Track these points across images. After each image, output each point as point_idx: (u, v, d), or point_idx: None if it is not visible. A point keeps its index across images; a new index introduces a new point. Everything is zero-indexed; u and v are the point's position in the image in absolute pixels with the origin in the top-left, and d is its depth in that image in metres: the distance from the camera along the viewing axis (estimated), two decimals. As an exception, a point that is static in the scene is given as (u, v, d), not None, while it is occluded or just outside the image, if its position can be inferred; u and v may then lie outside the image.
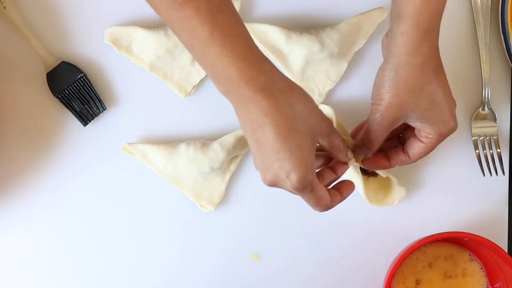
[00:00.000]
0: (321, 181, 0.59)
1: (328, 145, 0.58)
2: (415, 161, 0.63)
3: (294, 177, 0.53)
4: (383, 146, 0.64)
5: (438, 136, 0.60)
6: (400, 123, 0.60)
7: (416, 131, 0.61)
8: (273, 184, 0.55)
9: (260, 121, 0.52)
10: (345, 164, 0.61)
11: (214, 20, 0.50)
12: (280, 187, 0.55)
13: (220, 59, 0.50)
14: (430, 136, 0.60)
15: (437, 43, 0.57)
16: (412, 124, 0.60)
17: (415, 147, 0.62)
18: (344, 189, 0.60)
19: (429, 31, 0.56)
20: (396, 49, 0.57)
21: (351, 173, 0.71)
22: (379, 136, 0.60)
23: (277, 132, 0.52)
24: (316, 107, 0.56)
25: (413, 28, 0.55)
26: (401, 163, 0.64)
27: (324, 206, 0.57)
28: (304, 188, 0.54)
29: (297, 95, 0.53)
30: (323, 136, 0.57)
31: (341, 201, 0.60)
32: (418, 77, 0.57)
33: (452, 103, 0.60)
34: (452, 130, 0.60)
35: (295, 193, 0.56)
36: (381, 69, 0.59)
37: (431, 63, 0.57)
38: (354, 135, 0.66)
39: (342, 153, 0.60)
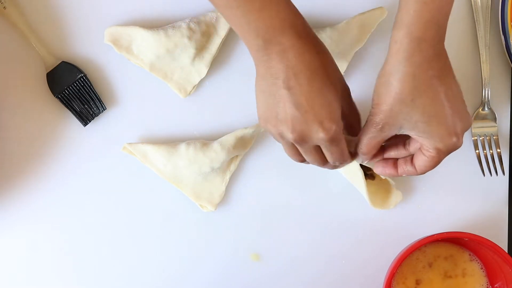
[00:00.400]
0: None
1: (348, 109, 0.58)
2: (421, 173, 0.61)
3: (328, 126, 0.53)
4: (395, 154, 0.63)
5: (436, 151, 0.57)
6: (395, 133, 0.58)
7: (420, 144, 0.59)
8: (302, 136, 0.55)
9: (297, 67, 0.52)
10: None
11: None
12: (309, 140, 0.55)
13: (261, 11, 0.52)
14: (429, 150, 0.58)
15: (436, 52, 0.55)
16: (411, 135, 0.58)
17: (419, 159, 0.60)
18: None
19: (422, 41, 0.53)
20: (389, 57, 0.55)
21: (353, 173, 0.71)
22: (373, 142, 0.59)
23: (313, 79, 0.52)
24: (337, 67, 0.57)
25: (405, 37, 0.54)
26: (408, 174, 0.62)
27: (346, 159, 0.59)
28: (334, 139, 0.55)
29: (326, 50, 0.55)
30: (345, 96, 0.58)
31: (354, 159, 0.62)
32: (409, 87, 0.54)
33: (456, 117, 0.56)
34: (452, 146, 0.57)
35: (322, 144, 0.56)
36: (379, 74, 0.57)
37: (424, 73, 0.54)
38: None
39: (359, 124, 0.61)
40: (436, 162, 0.59)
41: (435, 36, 0.54)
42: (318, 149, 0.58)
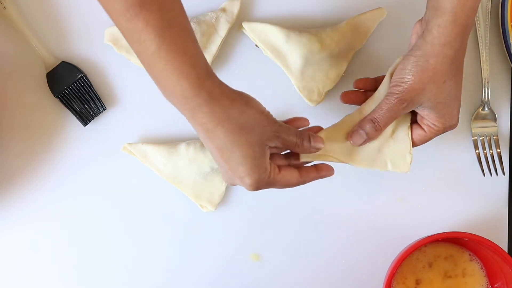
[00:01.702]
0: (295, 159, 0.62)
1: (283, 145, 0.59)
2: (415, 146, 0.65)
3: (247, 182, 0.56)
4: None
5: (442, 129, 0.63)
6: (412, 109, 0.62)
7: (418, 118, 0.64)
8: (232, 185, 0.59)
9: (207, 133, 0.54)
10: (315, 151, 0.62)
11: (163, 35, 0.50)
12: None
13: (164, 73, 0.52)
14: (434, 126, 0.62)
15: (466, 45, 0.60)
16: (420, 111, 0.62)
17: (415, 134, 0.64)
18: (324, 169, 0.62)
19: (465, 27, 0.58)
20: (431, 39, 0.59)
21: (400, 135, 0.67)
22: (390, 117, 0.62)
23: (223, 144, 0.54)
24: (262, 113, 0.57)
25: (451, 23, 0.57)
26: None
27: (293, 186, 0.60)
28: (261, 187, 0.57)
29: (239, 106, 0.55)
30: (272, 140, 0.57)
31: (316, 178, 0.62)
32: (445, 70, 0.59)
33: (459, 101, 0.63)
34: (453, 127, 0.63)
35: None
36: (411, 54, 0.60)
37: (458, 59, 0.60)
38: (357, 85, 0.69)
39: (299, 148, 0.60)
40: (432, 137, 0.64)
41: (473, 23, 0.60)
42: None
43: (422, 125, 0.64)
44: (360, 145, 0.64)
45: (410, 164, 0.66)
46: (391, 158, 0.65)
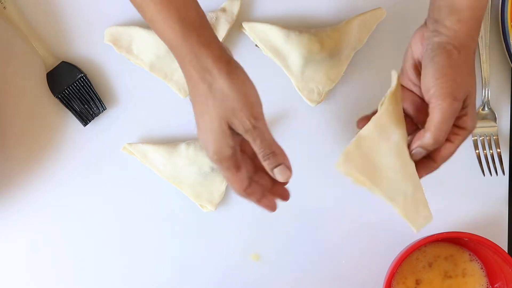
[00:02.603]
0: (260, 179, 0.60)
1: (244, 131, 0.56)
2: (440, 162, 0.61)
3: (210, 149, 0.56)
4: None
5: (466, 132, 0.59)
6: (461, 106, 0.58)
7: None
8: (203, 146, 0.59)
9: (188, 87, 0.57)
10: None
11: None
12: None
13: (154, 18, 0.55)
14: (460, 132, 0.59)
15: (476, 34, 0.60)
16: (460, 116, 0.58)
17: (445, 147, 0.60)
18: (267, 204, 0.60)
19: (480, 21, 0.59)
20: (452, 34, 0.57)
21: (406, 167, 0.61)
22: (450, 123, 0.57)
23: (197, 103, 0.56)
24: (245, 93, 0.55)
25: (470, 19, 0.58)
26: (429, 170, 0.62)
27: (236, 190, 0.59)
28: (219, 162, 0.57)
29: (225, 74, 0.55)
30: (240, 123, 0.55)
31: (256, 203, 0.60)
32: (472, 61, 0.59)
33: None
34: (474, 129, 0.60)
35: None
36: (439, 49, 0.57)
37: (476, 47, 0.60)
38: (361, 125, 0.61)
39: (259, 155, 0.57)
40: (458, 147, 0.60)
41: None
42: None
43: (449, 137, 0.59)
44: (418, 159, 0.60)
45: (425, 224, 0.60)
46: (412, 209, 0.59)
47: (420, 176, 0.61)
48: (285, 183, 0.61)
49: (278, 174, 0.58)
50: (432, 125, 0.57)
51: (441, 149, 0.60)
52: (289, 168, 0.58)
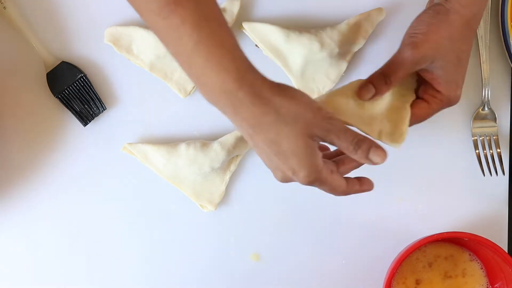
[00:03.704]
0: (340, 166, 0.59)
1: (331, 143, 0.56)
2: (415, 121, 0.63)
3: (301, 174, 0.54)
4: None
5: (446, 98, 0.62)
6: (424, 65, 0.60)
7: (421, 91, 0.63)
8: (286, 181, 0.57)
9: (250, 130, 0.53)
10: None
11: (200, 30, 0.49)
12: (296, 181, 0.57)
13: (204, 69, 0.50)
14: (438, 95, 0.61)
15: (482, 15, 0.61)
16: (429, 70, 0.61)
17: (418, 108, 0.63)
18: (365, 183, 0.60)
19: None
20: (454, 1, 0.59)
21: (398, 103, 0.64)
22: (401, 72, 0.61)
23: (269, 138, 0.53)
24: (306, 104, 0.54)
25: None
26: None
27: (340, 193, 0.58)
28: (314, 182, 0.55)
29: (282, 96, 0.53)
30: (320, 134, 0.55)
31: (359, 192, 0.60)
32: (460, 29, 0.59)
33: (465, 72, 0.62)
34: (456, 100, 0.62)
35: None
36: (429, 8, 0.61)
37: (474, 25, 0.60)
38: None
39: (350, 153, 0.56)
40: (436, 111, 0.63)
41: None
42: None
43: (425, 97, 0.62)
44: (369, 99, 0.61)
45: (403, 139, 0.61)
46: (385, 127, 0.61)
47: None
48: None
49: (375, 157, 0.56)
50: (385, 66, 0.61)
51: (414, 106, 0.63)
52: (380, 147, 0.56)
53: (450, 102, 0.62)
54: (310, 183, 0.55)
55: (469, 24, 0.60)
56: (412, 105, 0.63)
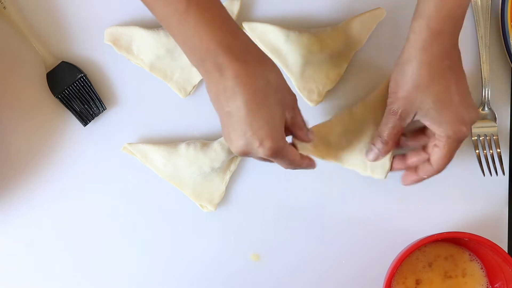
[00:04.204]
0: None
1: (291, 120, 0.60)
2: (439, 169, 0.65)
3: (267, 145, 0.56)
4: (417, 159, 0.67)
5: (446, 139, 0.62)
6: (410, 119, 0.62)
7: (432, 139, 0.64)
8: (245, 153, 0.57)
9: (234, 89, 0.54)
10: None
11: None
12: (252, 156, 0.58)
13: (196, 29, 0.52)
14: (440, 138, 0.62)
15: (452, 44, 0.59)
16: (423, 121, 0.62)
17: (434, 154, 0.64)
18: (311, 160, 0.64)
19: (440, 33, 0.57)
20: (408, 46, 0.59)
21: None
22: (392, 130, 0.63)
23: (251, 102, 0.54)
24: (284, 79, 0.58)
25: (425, 28, 0.57)
26: (428, 174, 0.66)
27: (296, 165, 0.61)
28: (277, 154, 0.57)
29: (269, 66, 0.56)
30: (289, 109, 0.58)
31: (306, 167, 0.63)
32: (424, 74, 0.58)
33: (464, 108, 0.61)
34: (460, 134, 0.61)
35: (265, 159, 0.59)
36: (395, 64, 0.62)
37: (440, 63, 0.58)
38: None
39: (303, 131, 0.62)
40: (448, 151, 0.62)
41: (452, 29, 0.58)
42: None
43: (436, 142, 0.63)
44: (375, 160, 0.67)
45: (387, 172, 0.69)
46: (371, 163, 0.69)
47: (421, 176, 0.67)
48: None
49: (310, 135, 0.64)
50: (379, 128, 0.65)
51: (431, 153, 0.65)
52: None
53: (458, 139, 0.62)
54: (272, 154, 0.57)
55: (431, 67, 0.58)
56: (430, 155, 0.65)
